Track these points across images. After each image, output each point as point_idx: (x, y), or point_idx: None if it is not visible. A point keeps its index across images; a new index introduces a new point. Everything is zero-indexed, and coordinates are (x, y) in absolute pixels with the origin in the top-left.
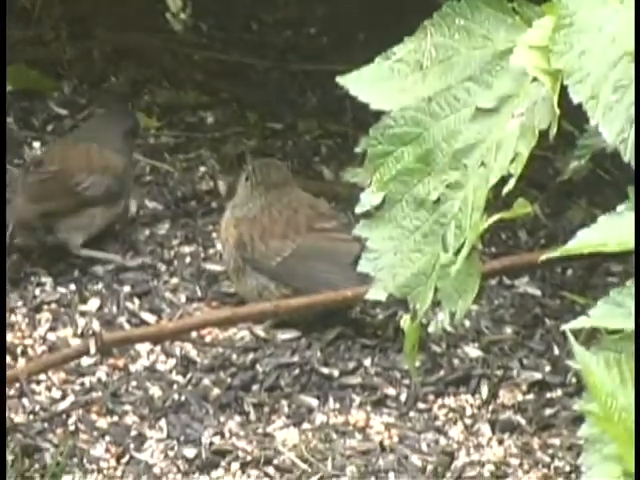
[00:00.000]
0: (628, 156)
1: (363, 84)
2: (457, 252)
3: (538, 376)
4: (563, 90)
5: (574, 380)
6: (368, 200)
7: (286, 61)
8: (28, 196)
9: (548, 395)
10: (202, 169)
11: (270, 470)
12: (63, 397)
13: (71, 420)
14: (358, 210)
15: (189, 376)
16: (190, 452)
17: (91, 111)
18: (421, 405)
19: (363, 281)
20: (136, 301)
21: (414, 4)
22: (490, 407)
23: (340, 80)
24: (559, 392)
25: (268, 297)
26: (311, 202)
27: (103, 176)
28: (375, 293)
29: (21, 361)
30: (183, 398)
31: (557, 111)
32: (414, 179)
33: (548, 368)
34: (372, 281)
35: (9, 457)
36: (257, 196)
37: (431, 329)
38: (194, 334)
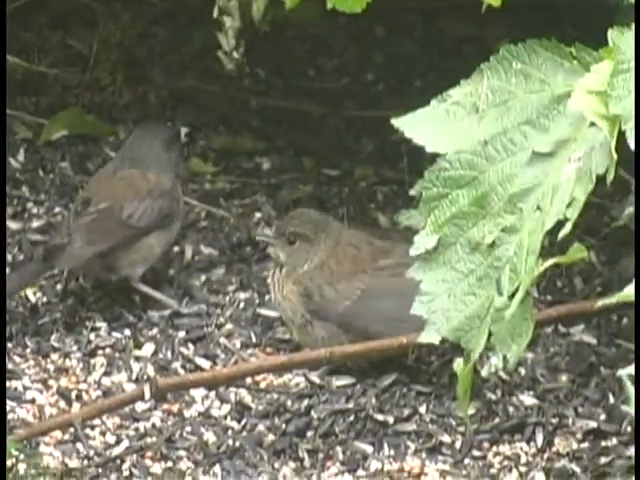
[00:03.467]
0: None
1: (418, 126)
2: (511, 296)
3: (593, 424)
4: (620, 136)
5: (629, 429)
6: (422, 242)
7: (343, 107)
8: (84, 239)
9: (603, 443)
10: (257, 215)
11: None
12: (117, 442)
13: (125, 465)
14: (412, 252)
15: (244, 422)
16: None
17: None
18: (476, 453)
19: None
20: (191, 346)
21: (470, 48)
22: (545, 455)
23: (395, 122)
24: (614, 440)
25: (336, 345)
26: (366, 238)
27: (152, 199)
28: (428, 336)
29: (76, 406)
30: (238, 444)
31: (615, 156)
32: (469, 222)
33: (603, 416)
34: (425, 324)
35: None
36: (318, 243)
37: (484, 373)
38: (249, 380)
